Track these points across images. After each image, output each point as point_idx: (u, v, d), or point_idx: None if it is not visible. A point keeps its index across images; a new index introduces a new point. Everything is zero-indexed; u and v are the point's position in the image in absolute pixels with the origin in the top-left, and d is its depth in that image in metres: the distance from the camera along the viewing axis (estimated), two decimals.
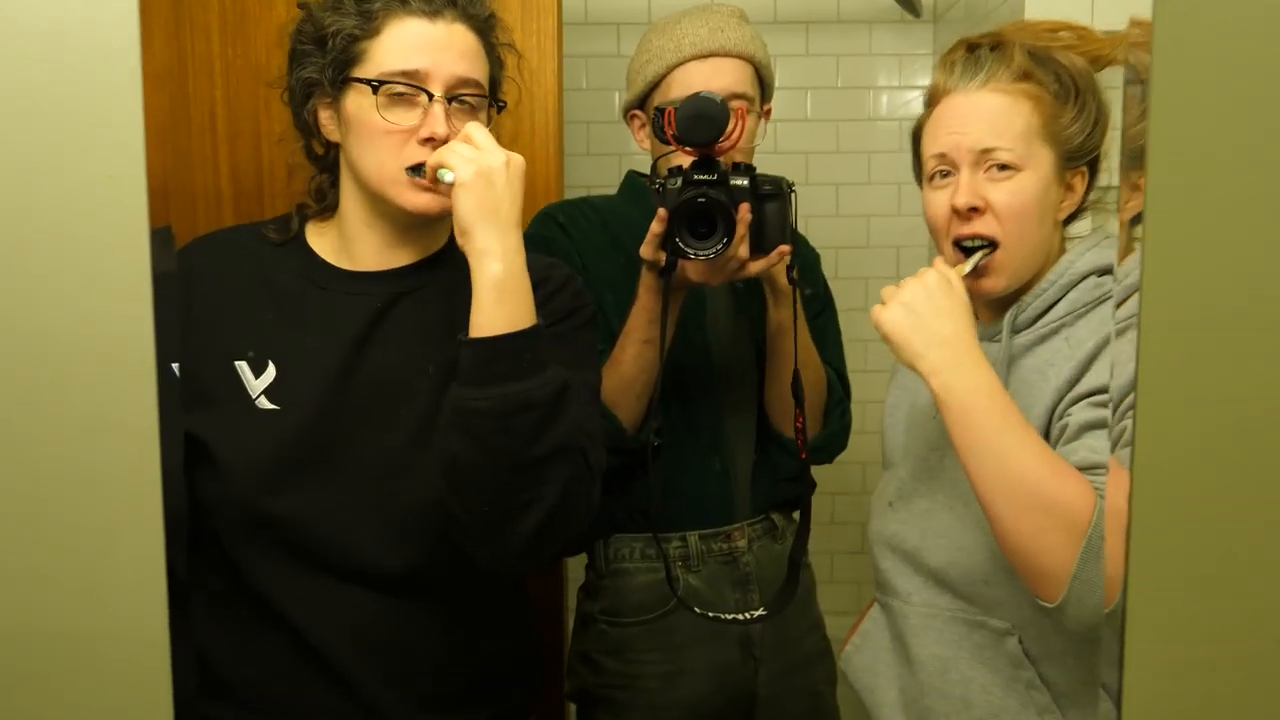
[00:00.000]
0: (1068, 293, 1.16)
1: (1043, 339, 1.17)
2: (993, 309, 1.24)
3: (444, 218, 1.16)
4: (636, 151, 1.67)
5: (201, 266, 1.22)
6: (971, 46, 1.19)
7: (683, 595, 1.54)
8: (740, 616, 1.48)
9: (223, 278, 1.21)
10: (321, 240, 1.24)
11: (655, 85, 1.57)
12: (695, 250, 1.32)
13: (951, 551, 1.18)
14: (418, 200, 1.15)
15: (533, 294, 1.16)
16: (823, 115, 2.78)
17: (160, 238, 0.91)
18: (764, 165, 1.79)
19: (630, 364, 1.45)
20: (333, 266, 1.23)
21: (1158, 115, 0.59)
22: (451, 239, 1.19)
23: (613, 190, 1.72)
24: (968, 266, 1.16)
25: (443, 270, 1.19)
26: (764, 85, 1.60)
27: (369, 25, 1.14)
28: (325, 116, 1.20)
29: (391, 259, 1.22)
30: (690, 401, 1.58)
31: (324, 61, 1.16)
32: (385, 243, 1.21)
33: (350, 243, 1.22)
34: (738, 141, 1.38)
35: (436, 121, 1.13)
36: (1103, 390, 1.06)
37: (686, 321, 1.51)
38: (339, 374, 1.16)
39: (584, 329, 1.24)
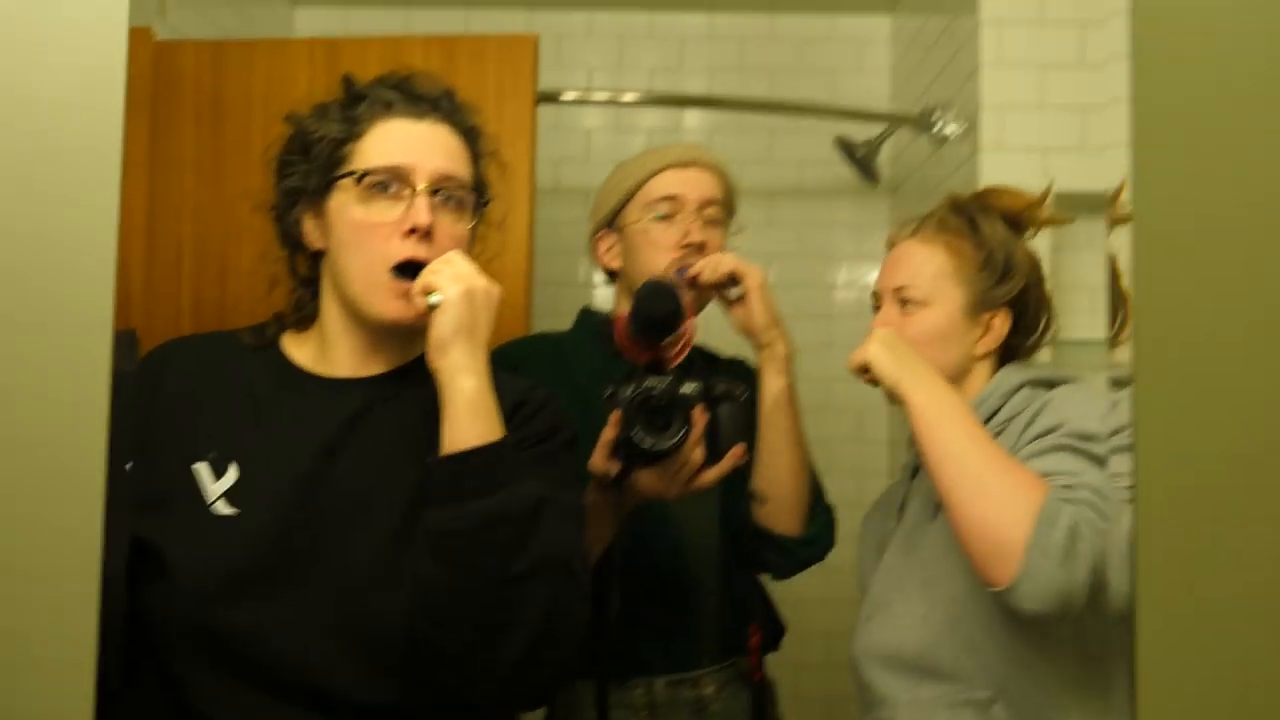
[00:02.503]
0: (1007, 401, 1.31)
1: None
2: None
3: (420, 328, 1.13)
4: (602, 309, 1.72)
5: (169, 366, 1.19)
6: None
7: None
8: None
9: (191, 378, 1.18)
10: (298, 349, 1.22)
11: (633, 194, 1.61)
12: (654, 442, 1.29)
13: (931, 633, 1.25)
14: (394, 308, 1.13)
15: (513, 415, 1.14)
16: (785, 281, 2.85)
17: (123, 340, 0.89)
18: (729, 330, 1.83)
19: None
20: (305, 371, 1.20)
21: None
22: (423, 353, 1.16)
23: None
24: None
25: (417, 381, 1.15)
26: (731, 209, 1.67)
27: (354, 129, 1.16)
28: (309, 225, 1.20)
29: (367, 366, 1.20)
30: (652, 549, 1.54)
31: (310, 168, 1.17)
32: (362, 350, 1.19)
33: (328, 349, 1.20)
34: (686, 349, 1.39)
35: (419, 212, 1.13)
36: (1052, 429, 1.20)
37: None
38: (306, 479, 1.11)
39: (566, 449, 1.21)
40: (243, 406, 1.17)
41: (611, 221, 1.66)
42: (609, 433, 1.32)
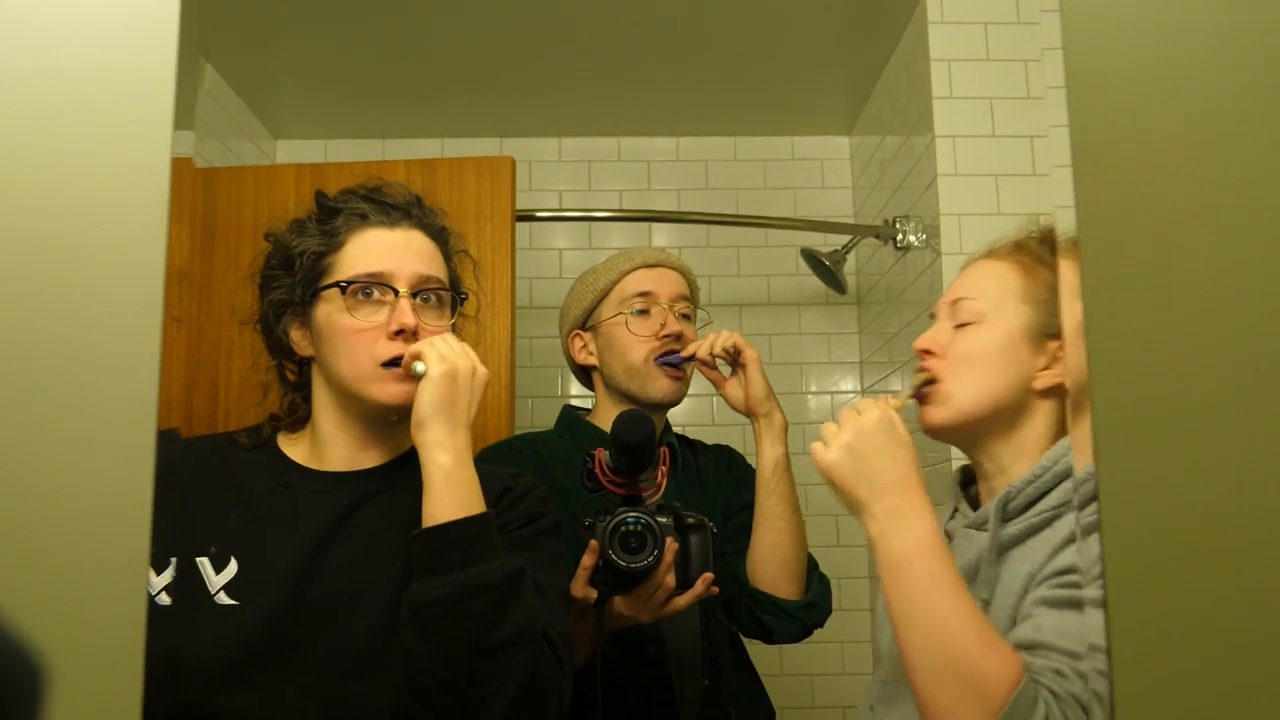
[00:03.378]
0: (1061, 482, 1.10)
1: (1034, 530, 1.09)
2: (984, 495, 1.18)
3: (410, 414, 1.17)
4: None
5: (170, 467, 1.22)
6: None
7: None
8: None
9: (190, 477, 1.22)
10: (292, 447, 1.27)
11: (606, 293, 1.70)
12: (628, 562, 1.38)
13: None
14: (391, 391, 1.18)
15: (498, 502, 1.18)
16: None
17: (167, 437, 0.91)
18: (705, 435, 1.89)
19: None
20: (301, 466, 1.25)
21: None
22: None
23: None
24: (903, 396, 1.17)
25: (410, 472, 1.20)
26: (696, 305, 1.78)
27: (333, 241, 1.23)
28: (297, 334, 1.26)
29: (360, 460, 1.24)
30: (636, 654, 1.57)
31: (293, 281, 1.23)
32: (355, 444, 1.24)
33: (321, 447, 1.25)
34: (662, 483, 1.48)
35: (404, 313, 1.19)
36: (1067, 570, 1.02)
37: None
38: (302, 570, 1.15)
39: (549, 534, 1.25)
40: (240, 502, 1.21)
41: (584, 322, 1.75)
42: (587, 560, 1.40)
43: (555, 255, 3.00)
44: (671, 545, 1.41)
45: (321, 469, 1.24)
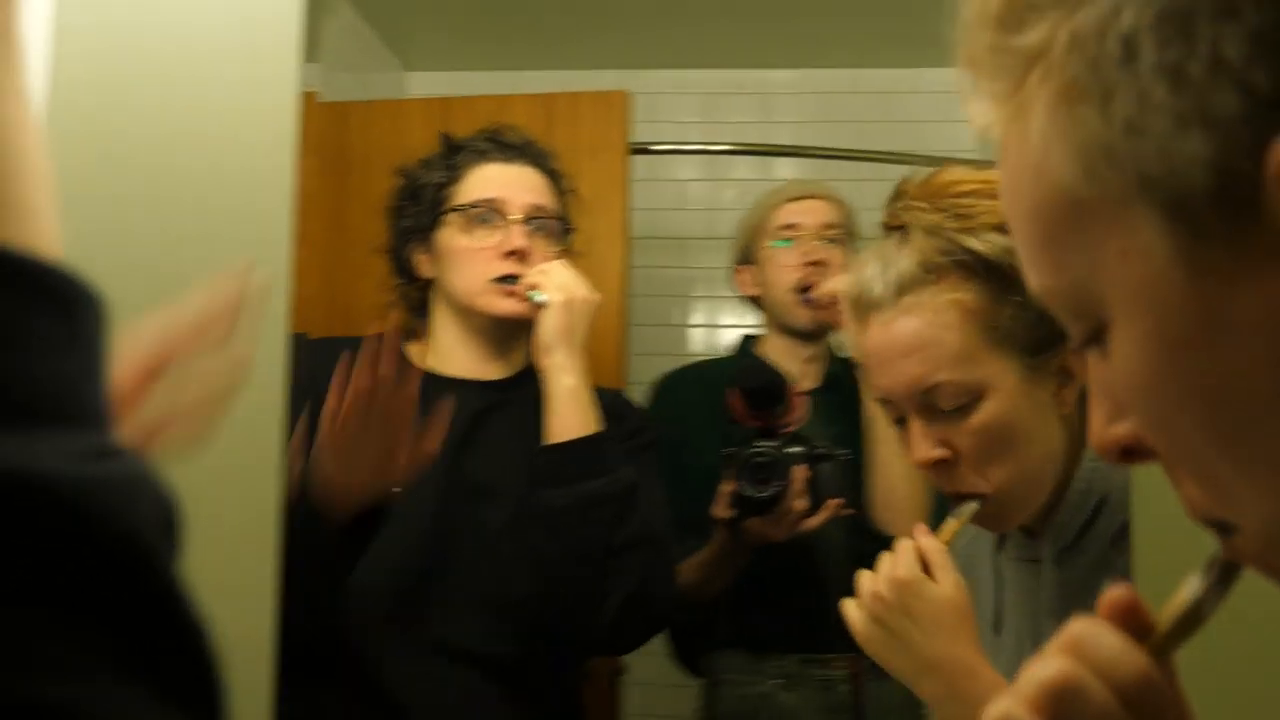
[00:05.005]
0: (1101, 505, 0.94)
1: (1099, 564, 0.92)
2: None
3: (524, 331, 1.31)
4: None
5: (311, 369, 1.31)
6: (887, 226, 0.97)
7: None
8: None
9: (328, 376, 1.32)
10: (418, 356, 1.39)
11: (759, 228, 1.80)
12: (756, 492, 1.51)
13: None
14: (503, 305, 1.31)
15: (603, 416, 1.30)
16: None
17: (300, 342, 0.98)
18: None
19: (699, 578, 1.59)
20: (432, 373, 1.35)
21: None
22: (530, 362, 1.34)
23: None
24: (954, 528, 0.93)
25: (527, 387, 1.33)
26: (851, 232, 1.83)
27: (454, 174, 1.36)
28: (421, 258, 1.38)
29: (482, 372, 1.37)
30: (791, 549, 1.65)
31: (419, 210, 1.36)
32: (475, 357, 1.37)
33: (443, 358, 1.37)
34: (796, 419, 1.58)
35: (516, 236, 1.31)
36: None
37: None
38: (445, 472, 1.27)
39: (647, 449, 1.37)
40: None
41: (745, 256, 1.84)
42: (726, 486, 1.53)
43: (677, 187, 3.02)
44: (800, 474, 1.52)
45: (446, 375, 1.36)
